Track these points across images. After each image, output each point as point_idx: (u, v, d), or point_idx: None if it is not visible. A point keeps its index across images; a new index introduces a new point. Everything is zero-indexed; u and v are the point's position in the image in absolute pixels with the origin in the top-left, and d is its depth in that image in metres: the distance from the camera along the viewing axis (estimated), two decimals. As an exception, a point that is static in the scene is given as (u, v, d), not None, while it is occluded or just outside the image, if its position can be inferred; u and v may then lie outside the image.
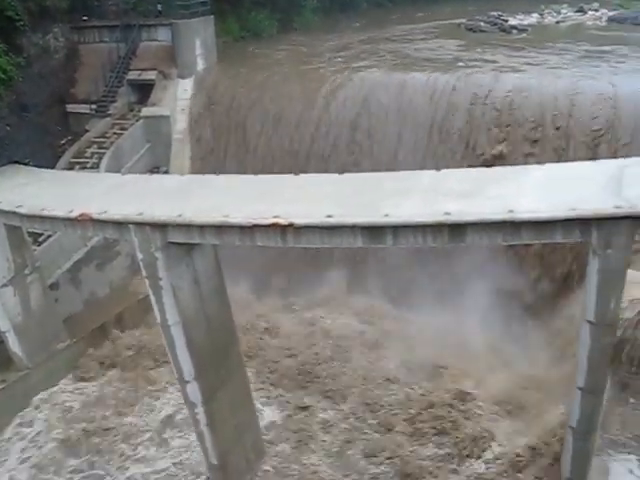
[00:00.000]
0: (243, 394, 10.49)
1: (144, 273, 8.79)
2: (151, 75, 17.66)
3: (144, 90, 17.69)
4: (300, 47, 21.41)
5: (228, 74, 17.94)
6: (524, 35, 22.43)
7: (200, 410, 9.57)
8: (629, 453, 10.43)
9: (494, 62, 17.18)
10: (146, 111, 17.05)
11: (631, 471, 10.36)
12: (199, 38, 18.08)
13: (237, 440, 10.36)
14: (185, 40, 17.78)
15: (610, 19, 26.69)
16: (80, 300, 14.12)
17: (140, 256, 8.71)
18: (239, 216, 8.08)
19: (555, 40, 21.03)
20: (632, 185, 7.46)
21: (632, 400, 10.73)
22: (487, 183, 7.97)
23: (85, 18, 18.66)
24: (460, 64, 17.11)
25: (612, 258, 7.07)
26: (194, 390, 9.41)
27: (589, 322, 7.40)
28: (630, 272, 10.17)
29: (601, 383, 7.95)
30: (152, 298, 8.89)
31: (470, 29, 23.44)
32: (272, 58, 19.71)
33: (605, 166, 8.20)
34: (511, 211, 6.99)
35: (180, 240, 8.46)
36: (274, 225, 7.80)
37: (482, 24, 23.56)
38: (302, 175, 9.21)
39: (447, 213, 7.17)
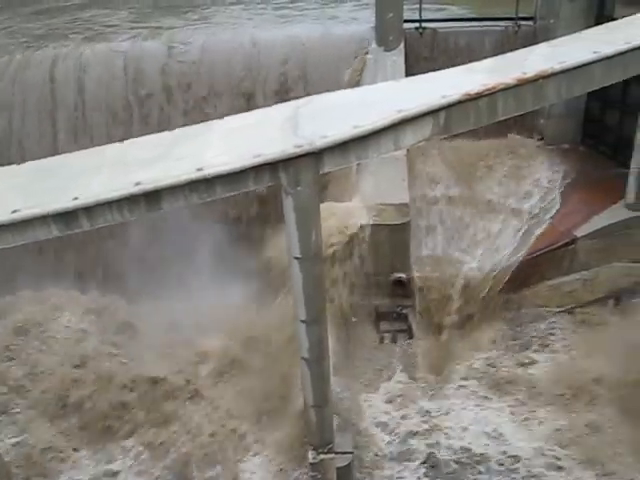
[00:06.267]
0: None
1: None
2: None
3: None
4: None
5: None
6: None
7: None
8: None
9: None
10: None
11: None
12: None
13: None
14: None
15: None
16: None
17: None
18: None
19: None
20: (308, 123, 7.87)
21: (354, 319, 11.74)
22: (173, 145, 7.89)
23: None
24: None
25: (303, 195, 7.42)
26: None
27: (296, 258, 7.77)
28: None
29: (321, 313, 8.38)
30: None
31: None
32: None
33: (281, 109, 8.53)
34: (200, 169, 7.01)
35: None
36: (-46, 233, 7.05)
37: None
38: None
39: (138, 183, 7.01)
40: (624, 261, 12.54)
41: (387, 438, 10.38)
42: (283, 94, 14.03)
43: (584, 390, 10.78)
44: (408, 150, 11.83)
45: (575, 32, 10.93)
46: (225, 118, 8.54)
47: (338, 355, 9.99)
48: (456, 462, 9.94)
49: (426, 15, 15.57)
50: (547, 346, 11.98)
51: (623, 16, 11.40)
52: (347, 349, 11.02)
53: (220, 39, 15.31)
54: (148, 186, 7.02)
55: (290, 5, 19.37)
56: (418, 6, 15.23)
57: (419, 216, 12.44)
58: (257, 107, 9.72)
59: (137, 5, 20.49)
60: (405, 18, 14.64)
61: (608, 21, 11.92)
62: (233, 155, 7.27)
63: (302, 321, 8.29)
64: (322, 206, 8.01)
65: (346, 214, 11.40)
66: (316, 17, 17.52)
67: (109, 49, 15.16)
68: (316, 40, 15.00)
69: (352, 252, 11.29)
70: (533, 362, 11.65)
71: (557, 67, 8.55)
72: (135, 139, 8.40)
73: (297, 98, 9.03)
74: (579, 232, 12.46)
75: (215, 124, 8.53)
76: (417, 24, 15.10)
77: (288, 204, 7.49)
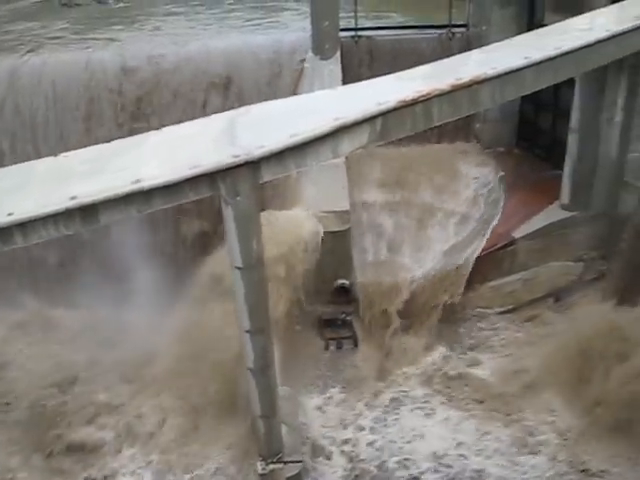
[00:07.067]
0: None
1: None
2: None
3: None
4: None
5: None
6: (122, 4, 22.26)
7: None
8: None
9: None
10: None
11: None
12: None
13: None
14: None
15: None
16: None
17: None
18: None
19: (155, 5, 21.42)
20: (245, 133, 7.89)
21: (298, 327, 11.73)
22: (109, 158, 7.79)
23: None
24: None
25: (243, 204, 7.40)
26: None
27: (238, 268, 7.73)
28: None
29: (265, 322, 8.35)
30: None
31: (65, 4, 22.52)
32: None
33: (219, 119, 8.51)
34: (137, 181, 6.91)
35: None
36: None
37: (76, -3, 22.80)
38: None
39: (74, 197, 6.87)
40: (561, 260, 12.87)
41: (330, 446, 10.42)
42: (227, 104, 13.90)
43: (527, 388, 10.99)
44: (347, 158, 11.90)
45: (507, 38, 11.21)
46: (162, 129, 8.47)
47: (283, 364, 9.93)
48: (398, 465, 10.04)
49: (362, 23, 15.76)
50: (490, 346, 12.18)
51: (553, 22, 11.76)
52: (292, 357, 10.98)
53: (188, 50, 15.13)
54: (84, 200, 6.89)
55: (231, 15, 19.39)
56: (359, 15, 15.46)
57: (360, 222, 12.55)
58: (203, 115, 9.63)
59: (70, 17, 20.13)
60: (341, 27, 14.74)
61: (539, 27, 12.25)
62: (171, 166, 7.21)
63: (246, 331, 8.25)
64: (264, 215, 8.02)
65: (288, 222, 11.40)
66: (270, 26, 17.66)
67: (65, 60, 14.75)
68: (260, 49, 14.96)
69: (295, 260, 11.27)
70: (477, 363, 11.81)
71: (490, 73, 8.75)
72: (70, 152, 8.24)
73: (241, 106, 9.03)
74: (517, 233, 12.73)
75: (152, 135, 8.46)
76: (353, 32, 15.25)
77: (228, 214, 7.46)
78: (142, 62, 14.44)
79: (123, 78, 14.26)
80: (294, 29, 16.55)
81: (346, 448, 10.35)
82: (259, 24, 17.95)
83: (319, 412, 10.95)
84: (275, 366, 8.89)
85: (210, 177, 7.17)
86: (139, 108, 14.20)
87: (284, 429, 9.55)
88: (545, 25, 12.26)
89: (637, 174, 11.84)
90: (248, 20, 18.43)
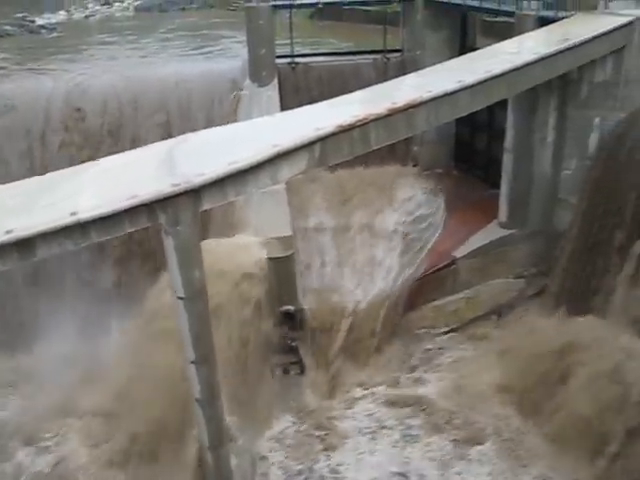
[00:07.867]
0: None
1: None
2: None
3: None
4: None
5: None
6: (55, 34, 22.13)
7: None
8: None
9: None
10: None
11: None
12: None
13: None
14: None
15: (137, 8, 27.98)
16: None
17: None
18: None
19: (89, 34, 21.31)
20: (184, 161, 7.86)
21: (245, 355, 11.54)
22: (45, 190, 7.65)
23: None
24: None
25: (184, 233, 7.33)
26: None
27: (180, 298, 7.63)
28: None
29: (210, 352, 8.25)
30: None
31: (-4, 33, 22.32)
32: None
33: (156, 148, 8.45)
34: (74, 214, 6.78)
35: None
36: None
37: (8, 27, 22.61)
38: None
39: (9, 231, 6.69)
40: (502, 277, 13.10)
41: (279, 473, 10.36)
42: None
43: (474, 404, 11.09)
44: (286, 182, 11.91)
45: (441, 62, 11.47)
46: (99, 159, 8.38)
47: (230, 392, 9.79)
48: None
49: (299, 50, 15.94)
50: (436, 365, 12.25)
51: (484, 46, 12.07)
52: (239, 386, 10.86)
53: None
54: (20, 234, 6.73)
55: (170, 44, 19.40)
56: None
57: (303, 247, 12.53)
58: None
59: (4, 47, 19.82)
60: (278, 54, 14.84)
61: (471, 51, 12.57)
62: (108, 197, 7.10)
63: (192, 362, 8.13)
64: (206, 243, 7.94)
65: (232, 250, 11.30)
66: (221, 54, 17.85)
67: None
68: (198, 76, 14.95)
69: (240, 288, 11.16)
70: (423, 381, 11.86)
71: (425, 96, 8.93)
72: (5, 185, 8.04)
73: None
74: (458, 253, 12.93)
75: (89, 166, 8.35)
76: (290, 59, 15.39)
77: (169, 244, 7.37)
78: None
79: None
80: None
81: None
82: (210, 51, 18.07)
83: (266, 439, 10.85)
84: (222, 396, 8.76)
85: (149, 207, 7.08)
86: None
87: (233, 459, 9.40)
88: (477, 48, 12.63)
89: (570, 191, 12.15)
90: (195, 49, 18.49)
